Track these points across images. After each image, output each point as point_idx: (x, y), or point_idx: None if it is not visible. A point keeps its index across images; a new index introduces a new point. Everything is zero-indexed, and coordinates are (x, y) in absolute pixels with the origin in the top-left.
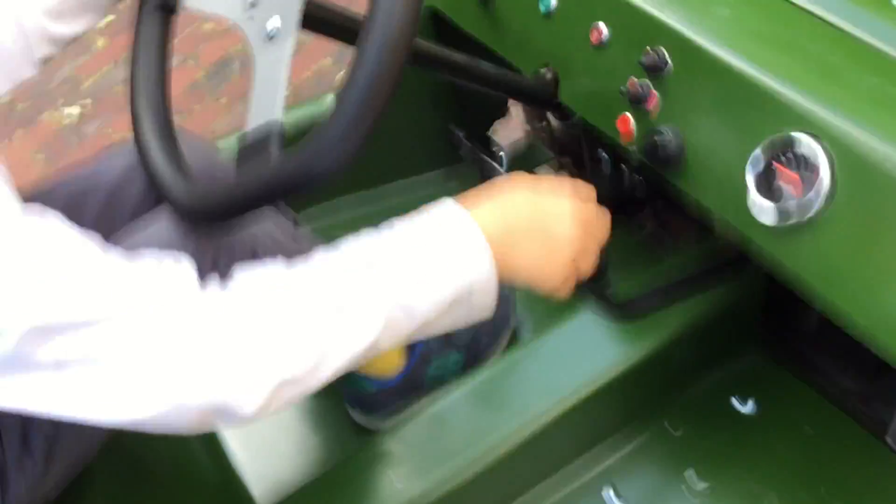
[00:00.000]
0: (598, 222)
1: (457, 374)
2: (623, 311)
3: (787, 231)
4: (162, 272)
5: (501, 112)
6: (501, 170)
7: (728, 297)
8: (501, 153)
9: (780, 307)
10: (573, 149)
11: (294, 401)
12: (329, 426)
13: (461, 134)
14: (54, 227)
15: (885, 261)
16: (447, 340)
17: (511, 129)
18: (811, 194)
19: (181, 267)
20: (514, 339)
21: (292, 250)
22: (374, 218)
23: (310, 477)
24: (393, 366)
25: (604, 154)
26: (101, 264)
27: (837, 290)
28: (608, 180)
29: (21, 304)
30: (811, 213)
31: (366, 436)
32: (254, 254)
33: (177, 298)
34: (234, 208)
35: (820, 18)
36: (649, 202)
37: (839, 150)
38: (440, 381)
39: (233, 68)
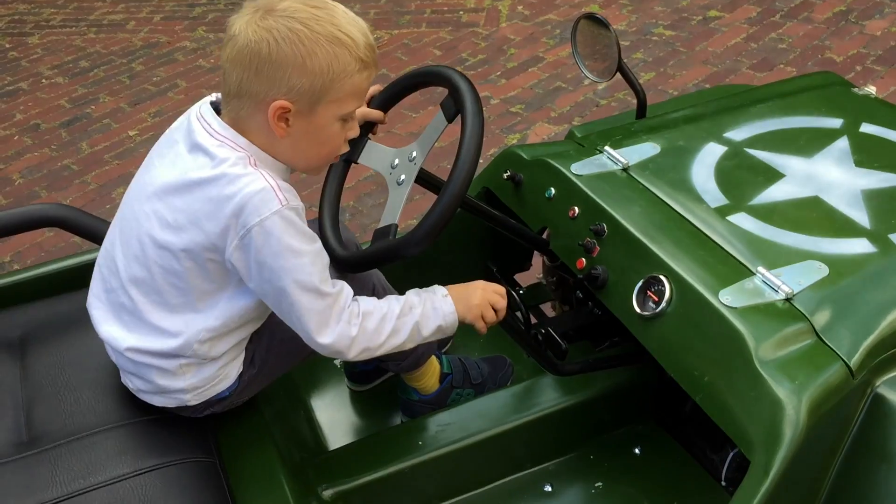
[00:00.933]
0: (497, 301)
1: (468, 401)
2: (567, 374)
3: (648, 319)
4: (346, 290)
5: (525, 262)
6: (519, 304)
7: (630, 380)
8: (521, 290)
9: (669, 393)
10: (563, 291)
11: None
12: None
13: (494, 269)
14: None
15: (690, 338)
16: (467, 380)
17: (531, 275)
18: (663, 303)
19: (348, 290)
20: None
21: (382, 288)
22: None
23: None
24: (430, 387)
25: (580, 293)
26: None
27: (661, 351)
28: (581, 310)
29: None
30: (657, 312)
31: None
32: (372, 288)
33: (348, 302)
34: (366, 263)
35: (682, 216)
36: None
37: (676, 282)
38: (456, 404)
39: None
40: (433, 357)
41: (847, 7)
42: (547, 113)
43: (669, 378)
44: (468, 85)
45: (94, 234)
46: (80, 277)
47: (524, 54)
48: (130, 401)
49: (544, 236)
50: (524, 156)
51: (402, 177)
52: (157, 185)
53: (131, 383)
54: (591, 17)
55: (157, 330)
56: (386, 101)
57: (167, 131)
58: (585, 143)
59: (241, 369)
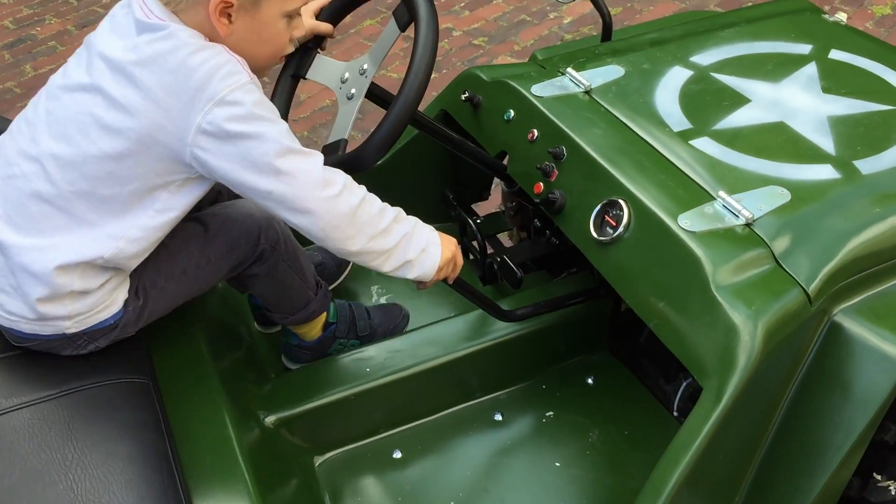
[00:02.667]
0: (457, 257)
1: (345, 350)
2: (516, 320)
3: (606, 244)
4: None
5: (484, 192)
6: (476, 232)
7: (585, 311)
8: (479, 220)
9: (624, 325)
10: (522, 219)
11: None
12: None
13: (451, 196)
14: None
15: (647, 264)
16: (352, 330)
17: (491, 204)
18: (620, 228)
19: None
20: None
21: None
22: None
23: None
24: (313, 335)
25: (538, 222)
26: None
27: (617, 276)
28: (538, 240)
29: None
30: (614, 236)
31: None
32: None
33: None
34: None
35: (644, 140)
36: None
37: (635, 206)
38: (339, 353)
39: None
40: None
41: None
42: (510, 46)
43: (625, 309)
44: None
45: None
46: None
47: None
48: None
49: (504, 161)
50: (483, 77)
51: (353, 90)
52: (103, 60)
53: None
54: None
55: (81, 224)
56: (335, 12)
57: (104, 20)
58: (547, 65)
59: (126, 295)
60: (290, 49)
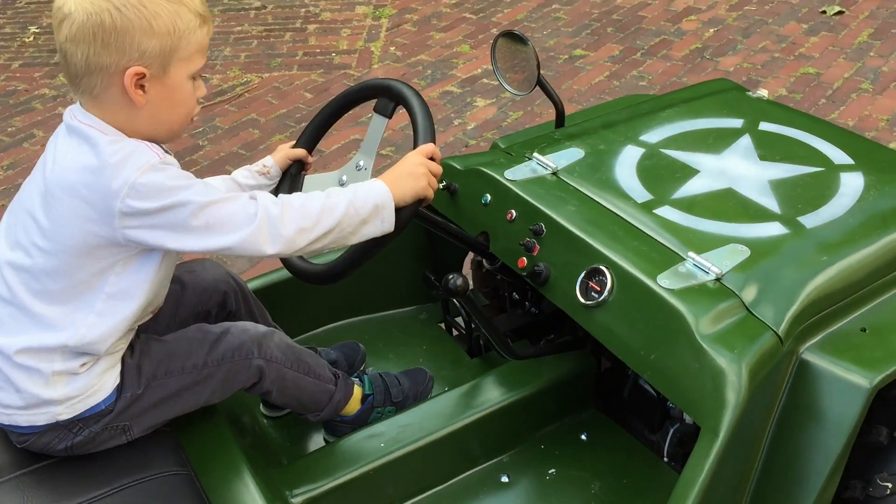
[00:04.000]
0: (432, 168)
1: (383, 418)
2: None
3: (593, 308)
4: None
5: (460, 268)
6: (460, 308)
7: (571, 372)
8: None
9: (607, 380)
10: (498, 299)
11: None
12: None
13: (433, 277)
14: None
15: (634, 321)
16: (387, 398)
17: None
18: (605, 292)
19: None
20: None
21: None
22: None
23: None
24: (352, 409)
25: (516, 294)
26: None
27: (607, 335)
28: (515, 312)
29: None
30: (601, 300)
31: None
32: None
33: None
34: (350, 266)
35: (613, 212)
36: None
37: (616, 272)
38: (376, 422)
39: None
40: (355, 389)
41: (702, 45)
42: None
43: (607, 367)
44: (395, 81)
45: None
46: None
47: None
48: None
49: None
50: (457, 166)
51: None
52: (41, 178)
53: None
54: (509, 34)
55: (39, 321)
56: (309, 138)
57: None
58: (513, 151)
59: (118, 380)
60: (198, 109)
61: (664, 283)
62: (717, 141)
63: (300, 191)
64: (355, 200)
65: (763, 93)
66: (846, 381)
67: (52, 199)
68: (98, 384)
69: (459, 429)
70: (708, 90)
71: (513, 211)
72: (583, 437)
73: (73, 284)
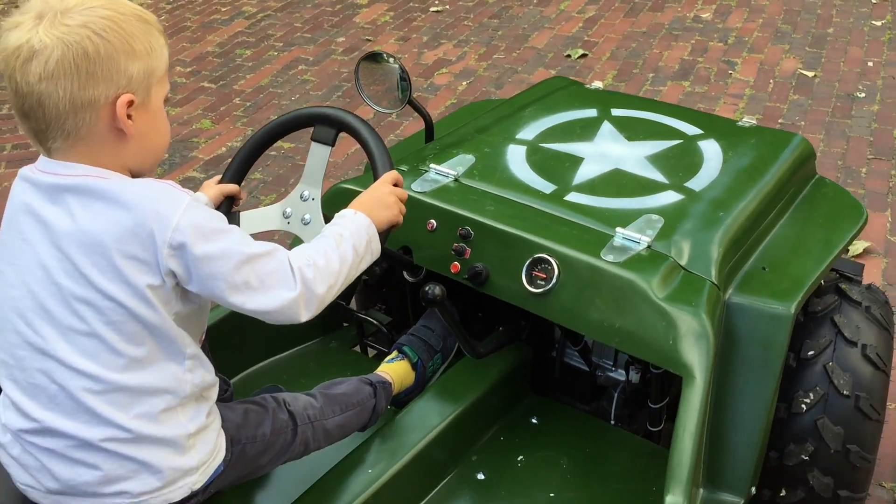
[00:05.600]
0: (399, 194)
1: (439, 367)
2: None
3: (543, 295)
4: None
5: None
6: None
7: (510, 367)
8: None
9: (542, 366)
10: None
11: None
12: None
13: (344, 303)
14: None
15: (590, 298)
16: (430, 350)
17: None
18: (553, 278)
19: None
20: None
21: None
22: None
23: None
24: (409, 381)
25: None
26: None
27: (566, 316)
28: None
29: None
30: (551, 286)
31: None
32: None
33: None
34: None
35: (529, 206)
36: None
37: (559, 258)
38: (433, 374)
39: None
40: (402, 364)
41: (457, 99)
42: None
43: (540, 354)
44: (335, 109)
45: None
46: None
47: None
48: None
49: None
50: (358, 188)
51: (306, 216)
52: (43, 252)
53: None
54: (372, 56)
55: (144, 391)
56: (236, 172)
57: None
58: (405, 165)
59: (224, 437)
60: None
61: (608, 258)
62: (583, 130)
63: (240, 225)
64: (354, 242)
65: (598, 84)
66: (770, 312)
67: (86, 275)
68: (218, 443)
69: (424, 446)
70: (552, 88)
71: (433, 221)
72: (534, 420)
73: (150, 337)
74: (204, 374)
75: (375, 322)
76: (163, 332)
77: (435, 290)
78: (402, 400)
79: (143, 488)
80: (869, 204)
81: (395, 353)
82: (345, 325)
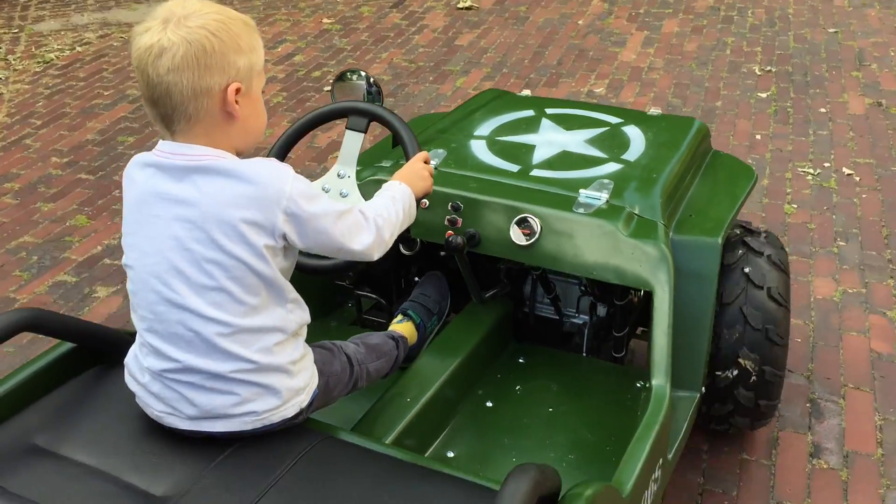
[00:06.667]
0: (429, 170)
1: (435, 327)
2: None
3: (529, 247)
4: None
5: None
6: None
7: (496, 319)
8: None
9: (518, 320)
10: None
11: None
12: None
13: (348, 282)
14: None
15: (570, 243)
16: (429, 313)
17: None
18: (537, 232)
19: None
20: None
21: None
22: None
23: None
24: (414, 340)
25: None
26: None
27: (551, 261)
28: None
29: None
30: (535, 239)
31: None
32: None
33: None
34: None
35: (504, 182)
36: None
37: (540, 216)
38: (431, 333)
39: None
40: (408, 325)
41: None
42: None
43: (516, 308)
44: (365, 103)
45: (66, 333)
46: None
47: None
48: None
49: None
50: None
51: (343, 190)
52: (175, 224)
53: (242, 408)
54: (342, 76)
55: (260, 330)
56: (280, 150)
57: (133, 204)
58: (388, 161)
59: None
60: None
61: (579, 211)
62: (528, 126)
63: None
64: (403, 204)
65: (527, 91)
66: (704, 244)
67: (214, 239)
68: (313, 371)
69: (439, 387)
70: (490, 97)
71: (425, 201)
72: (521, 360)
73: (265, 286)
74: (301, 314)
75: (374, 296)
76: (273, 282)
77: (457, 239)
78: (408, 355)
79: (266, 407)
80: None
81: (400, 317)
82: (350, 304)
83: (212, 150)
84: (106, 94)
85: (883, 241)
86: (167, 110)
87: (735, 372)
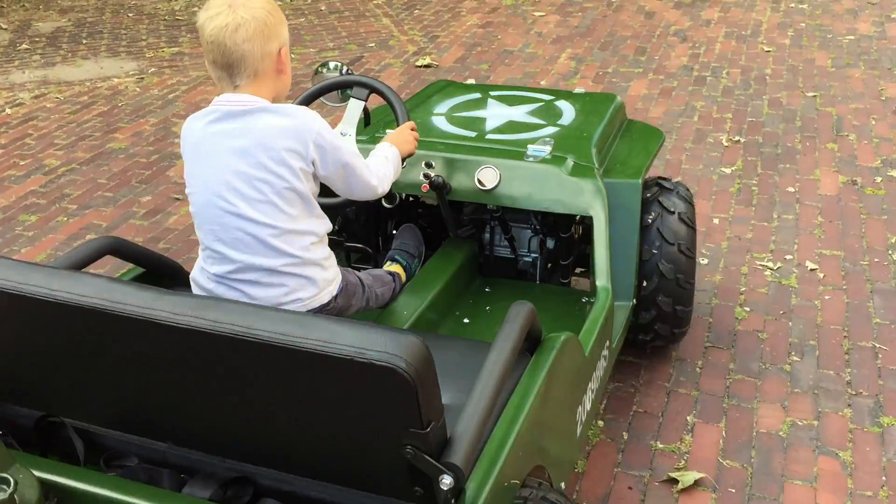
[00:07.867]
0: (415, 135)
1: (417, 268)
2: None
3: (491, 190)
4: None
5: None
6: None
7: (462, 260)
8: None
9: (481, 263)
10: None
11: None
12: None
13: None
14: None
15: (525, 184)
16: (410, 256)
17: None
18: (497, 177)
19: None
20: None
21: None
22: None
23: None
24: (404, 278)
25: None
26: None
27: (510, 200)
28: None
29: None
30: (496, 184)
31: None
32: None
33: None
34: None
35: (465, 144)
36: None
37: (498, 165)
38: (414, 272)
39: None
40: (397, 266)
41: None
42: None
43: (479, 251)
44: (367, 77)
45: (140, 259)
46: None
47: None
48: None
49: None
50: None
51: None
52: (230, 153)
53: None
54: (318, 69)
55: (299, 234)
56: (303, 102)
57: (191, 142)
58: (365, 136)
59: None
60: None
61: (529, 160)
62: (477, 104)
63: None
64: (393, 162)
65: (471, 80)
66: (628, 184)
67: (262, 163)
68: (337, 269)
69: (423, 309)
70: (441, 86)
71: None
72: (487, 289)
73: (301, 200)
74: (326, 222)
75: (361, 246)
76: (306, 197)
77: (439, 179)
78: (396, 294)
79: (308, 294)
80: (700, 412)
81: (390, 262)
82: (341, 256)
83: (259, 98)
84: (22, 163)
85: (843, 356)
86: (238, 70)
87: (656, 281)
